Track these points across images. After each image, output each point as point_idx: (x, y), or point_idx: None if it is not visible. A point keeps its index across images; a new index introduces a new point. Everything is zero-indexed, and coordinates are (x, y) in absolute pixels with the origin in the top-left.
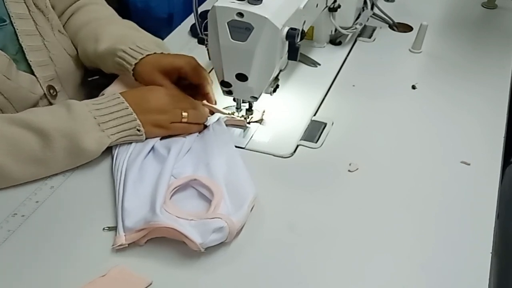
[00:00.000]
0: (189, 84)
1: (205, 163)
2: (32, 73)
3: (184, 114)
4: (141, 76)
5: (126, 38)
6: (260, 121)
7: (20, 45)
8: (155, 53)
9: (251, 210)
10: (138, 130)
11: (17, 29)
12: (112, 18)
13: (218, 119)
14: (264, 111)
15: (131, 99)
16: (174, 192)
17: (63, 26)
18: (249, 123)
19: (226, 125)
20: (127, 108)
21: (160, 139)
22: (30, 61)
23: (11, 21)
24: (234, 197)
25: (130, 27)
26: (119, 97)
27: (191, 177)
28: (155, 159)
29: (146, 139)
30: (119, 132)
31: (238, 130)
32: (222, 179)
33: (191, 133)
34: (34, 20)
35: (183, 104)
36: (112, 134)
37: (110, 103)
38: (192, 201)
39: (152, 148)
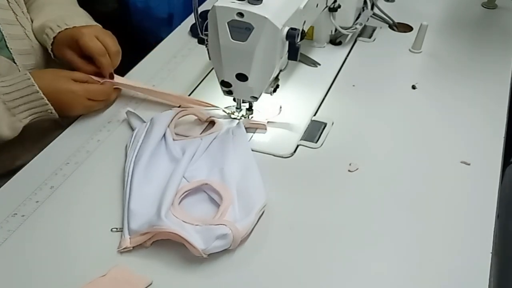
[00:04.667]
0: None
1: (219, 167)
2: (13, 60)
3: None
4: (56, 52)
5: (59, 17)
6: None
7: (1, 33)
8: (74, 27)
9: (260, 217)
10: (51, 112)
11: None
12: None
13: (238, 123)
14: (281, 107)
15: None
16: (185, 195)
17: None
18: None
19: (246, 128)
20: (38, 92)
21: (174, 140)
22: (11, 48)
23: None
24: (243, 203)
25: (70, 3)
26: (29, 79)
27: (202, 182)
28: (168, 159)
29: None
30: (31, 115)
31: None
32: (234, 184)
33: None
34: (13, 11)
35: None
36: (24, 118)
37: (20, 85)
38: (202, 205)
39: (165, 147)
